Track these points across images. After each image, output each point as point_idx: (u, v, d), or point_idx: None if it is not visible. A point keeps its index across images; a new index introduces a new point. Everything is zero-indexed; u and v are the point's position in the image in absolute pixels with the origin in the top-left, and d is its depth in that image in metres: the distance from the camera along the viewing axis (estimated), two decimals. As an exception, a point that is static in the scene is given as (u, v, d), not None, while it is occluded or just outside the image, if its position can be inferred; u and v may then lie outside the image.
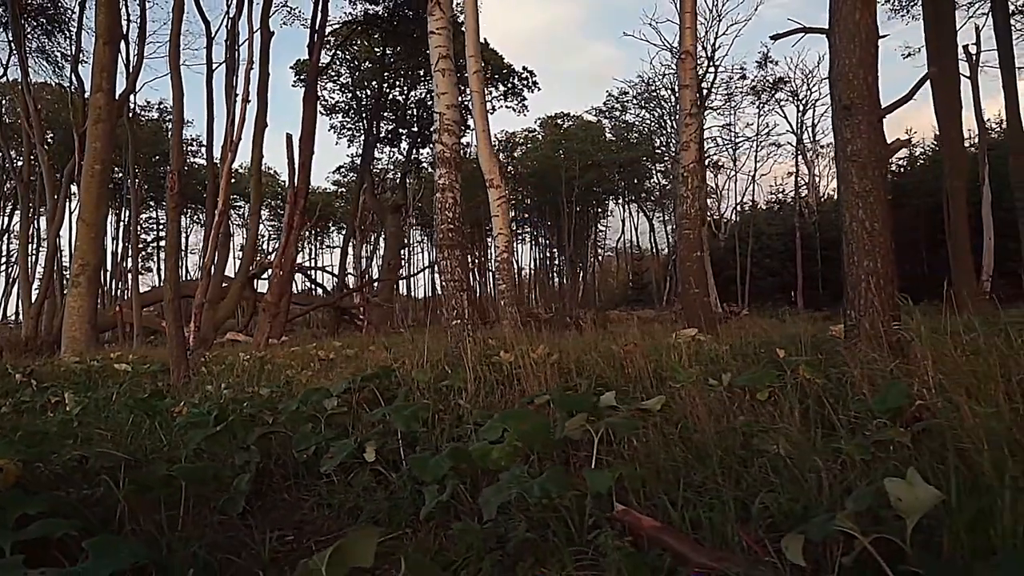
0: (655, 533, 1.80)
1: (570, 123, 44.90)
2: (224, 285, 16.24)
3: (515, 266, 48.28)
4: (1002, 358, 2.93)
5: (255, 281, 22.07)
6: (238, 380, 6.08)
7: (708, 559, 1.66)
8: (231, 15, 16.74)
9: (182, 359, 6.60)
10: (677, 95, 10.25)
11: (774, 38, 3.96)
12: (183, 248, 49.78)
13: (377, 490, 2.70)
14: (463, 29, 9.14)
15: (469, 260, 46.38)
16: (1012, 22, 22.83)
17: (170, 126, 37.10)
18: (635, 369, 4.00)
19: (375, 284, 26.16)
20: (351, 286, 27.28)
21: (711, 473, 2.26)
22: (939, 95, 11.52)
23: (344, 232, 32.99)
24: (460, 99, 5.99)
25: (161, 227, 41.12)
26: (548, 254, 53.49)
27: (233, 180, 29.75)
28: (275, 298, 12.48)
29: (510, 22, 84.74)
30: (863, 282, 3.57)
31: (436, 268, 7.11)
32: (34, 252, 27.03)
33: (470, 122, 14.83)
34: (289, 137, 12.60)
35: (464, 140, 13.39)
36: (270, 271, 16.06)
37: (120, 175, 29.87)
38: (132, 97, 19.25)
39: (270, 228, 48.74)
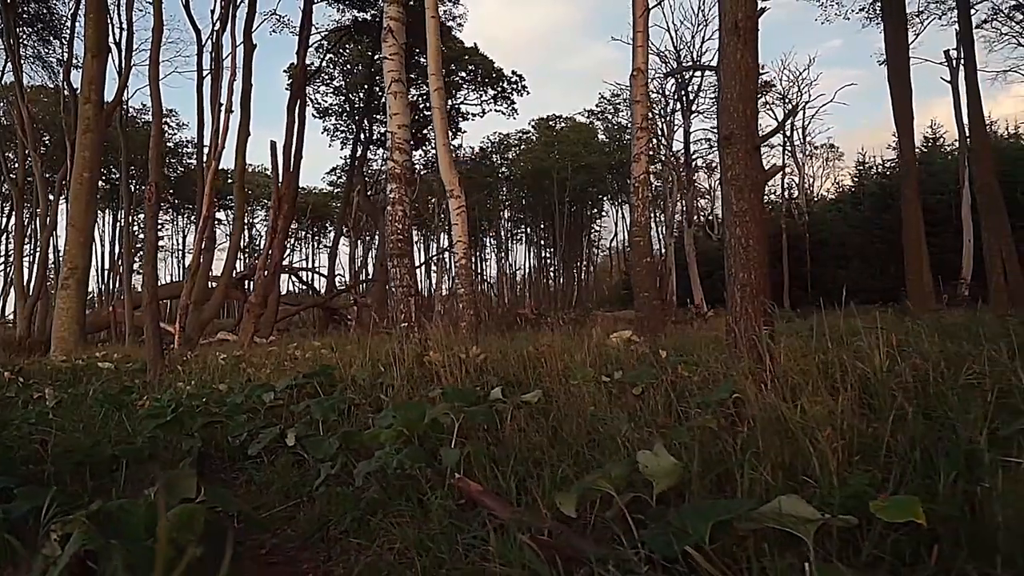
0: (477, 496, 2.29)
1: (563, 125, 45.40)
2: (212, 286, 16.74)
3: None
4: (839, 357, 3.45)
5: (246, 282, 22.59)
6: (209, 378, 6.58)
7: (507, 514, 2.15)
8: (216, 29, 17.23)
9: (159, 358, 7.10)
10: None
11: (667, 74, 4.41)
12: (180, 249, 50.56)
13: (293, 469, 3.20)
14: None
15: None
16: (996, 25, 23.34)
17: (168, 129, 37.51)
18: (549, 367, 4.50)
19: (368, 284, 26.64)
20: (341, 287, 27.78)
21: (555, 452, 2.75)
22: (896, 106, 12.01)
23: (334, 233, 33.46)
24: (412, 119, 6.52)
25: (160, 227, 41.89)
26: (544, 254, 54.00)
27: (229, 181, 30.33)
28: (259, 299, 12.97)
29: (510, 22, 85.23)
30: (738, 292, 4.05)
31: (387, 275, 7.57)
32: (30, 254, 27.53)
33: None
34: (273, 144, 13.08)
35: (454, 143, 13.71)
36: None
37: (117, 177, 30.46)
38: (124, 103, 19.78)
39: (266, 229, 49.26)
